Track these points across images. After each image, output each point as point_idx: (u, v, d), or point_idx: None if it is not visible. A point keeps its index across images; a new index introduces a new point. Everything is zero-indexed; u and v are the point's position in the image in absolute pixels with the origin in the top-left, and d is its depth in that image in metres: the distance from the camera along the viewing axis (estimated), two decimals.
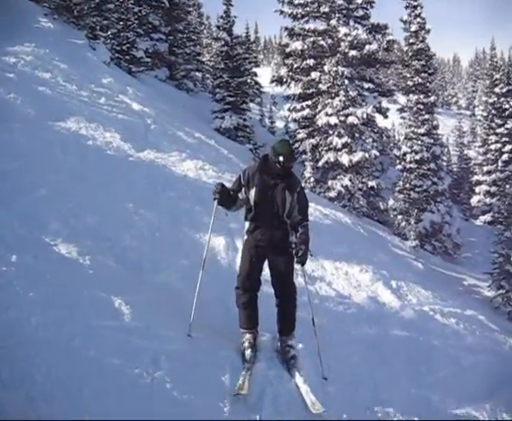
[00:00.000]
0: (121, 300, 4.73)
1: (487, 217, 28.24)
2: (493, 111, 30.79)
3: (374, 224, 20.08)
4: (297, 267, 5.00)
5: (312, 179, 20.45)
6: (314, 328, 5.03)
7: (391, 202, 22.12)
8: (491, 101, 31.22)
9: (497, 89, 30.53)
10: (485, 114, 32.77)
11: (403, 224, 21.79)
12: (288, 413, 4.28)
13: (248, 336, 5.06)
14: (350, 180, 19.80)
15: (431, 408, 5.31)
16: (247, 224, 5.09)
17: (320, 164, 20.50)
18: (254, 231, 5.01)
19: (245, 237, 5.13)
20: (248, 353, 4.90)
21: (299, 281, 5.51)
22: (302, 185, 5.25)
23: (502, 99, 30.02)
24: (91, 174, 8.09)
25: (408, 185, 22.21)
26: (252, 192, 4.89)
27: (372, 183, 20.18)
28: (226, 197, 4.97)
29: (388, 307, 8.01)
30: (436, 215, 21.77)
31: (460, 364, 6.76)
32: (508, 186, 25.65)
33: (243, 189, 4.97)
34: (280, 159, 4.73)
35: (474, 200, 30.10)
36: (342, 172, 20.23)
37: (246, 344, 4.99)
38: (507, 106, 29.50)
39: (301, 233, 4.79)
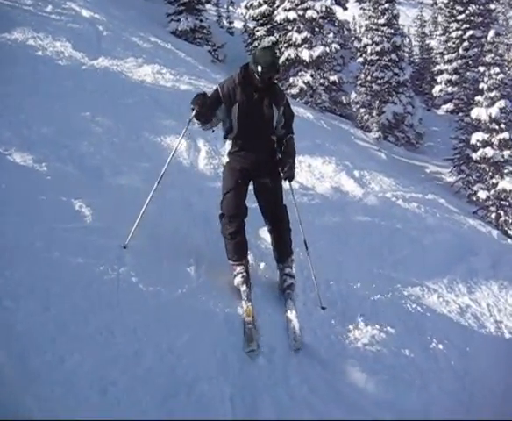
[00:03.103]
0: (81, 203, 4.70)
1: (449, 106, 28.44)
2: None
3: (337, 119, 20.16)
4: (284, 183, 4.61)
5: None
6: (307, 251, 4.66)
7: (353, 95, 22.15)
8: None
9: None
10: (446, 1, 32.15)
11: (366, 116, 21.97)
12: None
13: (239, 269, 4.52)
14: (311, 75, 19.63)
15: (393, 283, 5.54)
16: (229, 144, 4.53)
17: (280, 61, 20.11)
18: (238, 152, 4.48)
19: (227, 159, 4.58)
20: (244, 289, 4.39)
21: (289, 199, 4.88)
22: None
23: None
24: (43, 86, 7.83)
25: (369, 77, 22.20)
26: (235, 109, 4.30)
27: (333, 78, 20.07)
28: (205, 111, 4.33)
29: (351, 195, 8.14)
30: (398, 106, 21.92)
31: (421, 243, 6.98)
32: (468, 73, 25.72)
33: (222, 106, 4.35)
34: (259, 69, 4.13)
35: (436, 90, 30.19)
36: (303, 68, 20.01)
37: (239, 278, 4.47)
38: None
39: (286, 147, 4.47)
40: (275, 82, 4.46)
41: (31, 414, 2.63)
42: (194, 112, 4.32)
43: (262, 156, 4.47)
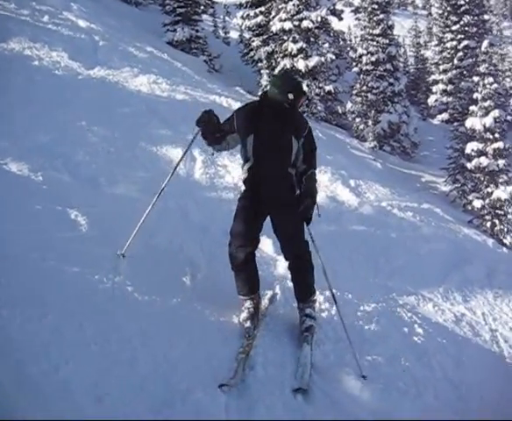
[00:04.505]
0: (77, 212, 4.73)
1: (444, 116, 28.55)
2: (448, 8, 30.42)
3: (333, 128, 20.22)
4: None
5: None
6: (336, 305, 4.31)
7: (349, 105, 22.20)
8: None
9: None
10: (440, 12, 32.37)
11: (362, 126, 22.05)
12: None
13: (247, 304, 4.24)
14: (307, 85, 19.62)
15: (388, 292, 5.56)
16: (245, 171, 4.23)
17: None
18: (254, 184, 4.19)
19: (243, 187, 4.32)
20: (248, 325, 4.11)
21: None
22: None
23: None
24: (40, 95, 7.88)
25: (365, 87, 22.30)
26: (250, 139, 4.02)
27: (329, 88, 20.07)
28: (212, 130, 4.14)
29: (347, 205, 8.18)
30: (393, 115, 22.01)
31: (417, 253, 7.02)
32: (462, 83, 25.85)
33: (235, 135, 4.13)
34: (290, 96, 3.89)
35: (431, 99, 30.34)
36: (299, 78, 20.02)
37: (245, 314, 4.18)
38: (462, 2, 29.25)
39: (305, 185, 4.10)
40: (299, 110, 4.17)
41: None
42: (199, 131, 4.16)
43: (278, 190, 4.17)
